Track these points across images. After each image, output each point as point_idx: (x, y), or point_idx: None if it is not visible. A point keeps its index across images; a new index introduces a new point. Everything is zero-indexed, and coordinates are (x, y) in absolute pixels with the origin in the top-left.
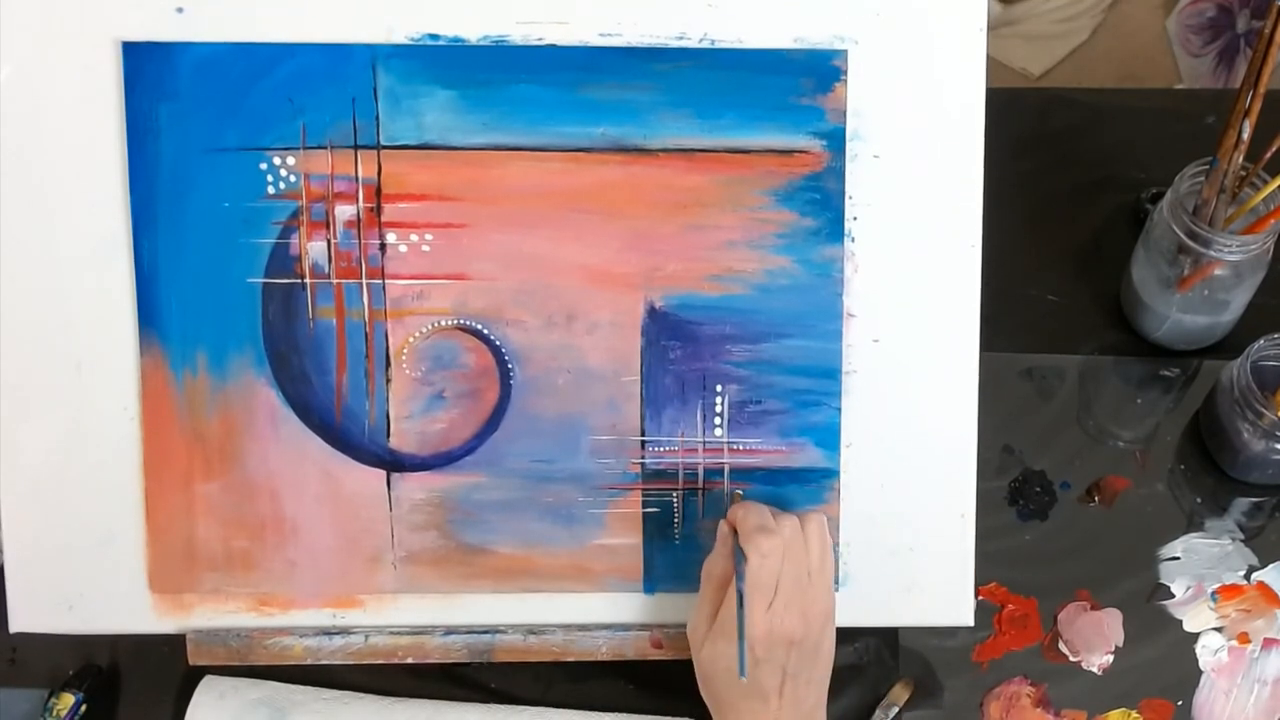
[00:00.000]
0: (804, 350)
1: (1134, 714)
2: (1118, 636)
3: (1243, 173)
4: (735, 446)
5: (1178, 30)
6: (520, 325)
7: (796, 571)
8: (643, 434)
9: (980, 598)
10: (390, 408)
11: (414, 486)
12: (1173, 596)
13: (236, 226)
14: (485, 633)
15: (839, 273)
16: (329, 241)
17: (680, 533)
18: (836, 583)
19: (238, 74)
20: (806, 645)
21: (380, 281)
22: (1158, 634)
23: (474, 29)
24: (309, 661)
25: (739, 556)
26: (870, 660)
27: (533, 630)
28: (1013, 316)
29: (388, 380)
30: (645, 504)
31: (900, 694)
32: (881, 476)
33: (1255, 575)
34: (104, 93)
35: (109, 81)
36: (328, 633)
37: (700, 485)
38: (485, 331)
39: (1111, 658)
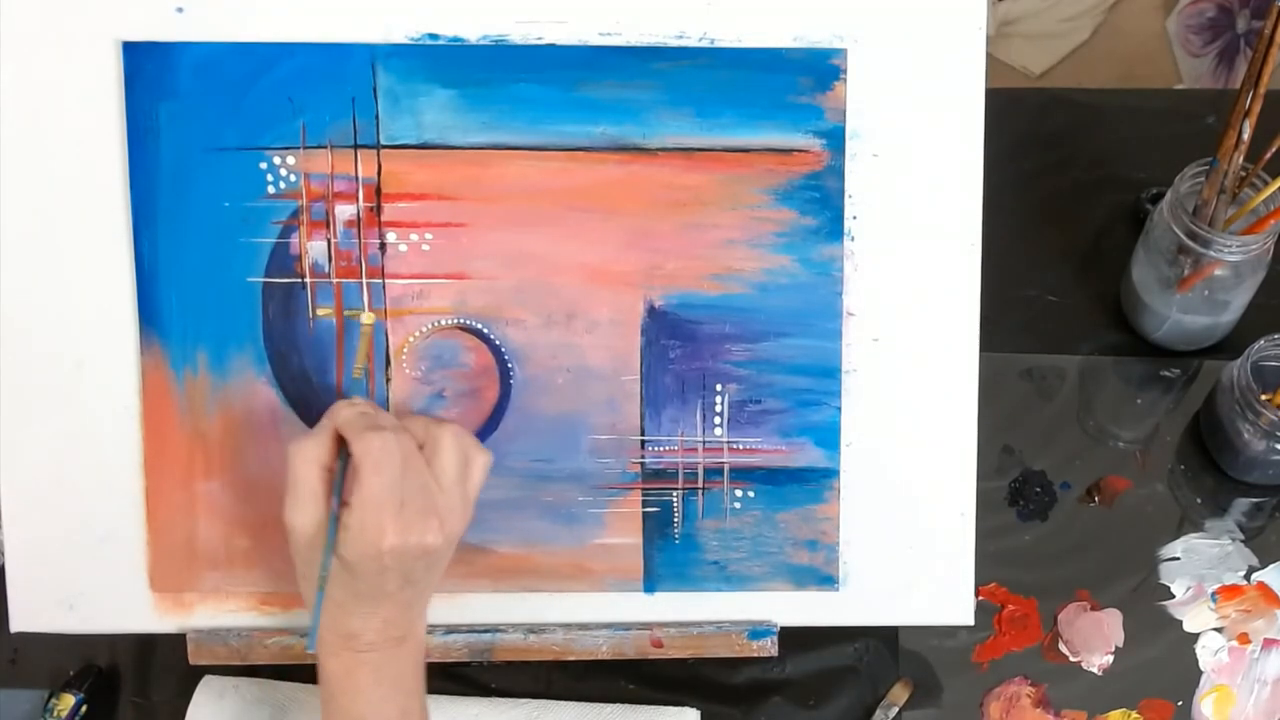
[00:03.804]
0: (804, 349)
1: (1134, 714)
2: (1118, 636)
3: (1243, 173)
4: (735, 446)
5: (1178, 30)
6: (520, 324)
7: (422, 479)
8: (642, 433)
9: (980, 598)
10: (390, 407)
11: None
12: (1173, 596)
13: (236, 226)
14: (485, 632)
15: (838, 272)
16: (329, 241)
17: (680, 532)
18: (836, 582)
19: (237, 73)
20: (437, 556)
21: (380, 281)
22: (1158, 634)
23: (473, 28)
24: (310, 660)
25: (342, 463)
26: (870, 660)
27: (533, 629)
28: (1013, 316)
29: (388, 379)
30: (645, 503)
31: (900, 694)
32: (881, 476)
33: (1255, 575)
34: (104, 92)
35: (109, 81)
36: None
37: (700, 485)
38: (485, 330)
39: (1111, 658)
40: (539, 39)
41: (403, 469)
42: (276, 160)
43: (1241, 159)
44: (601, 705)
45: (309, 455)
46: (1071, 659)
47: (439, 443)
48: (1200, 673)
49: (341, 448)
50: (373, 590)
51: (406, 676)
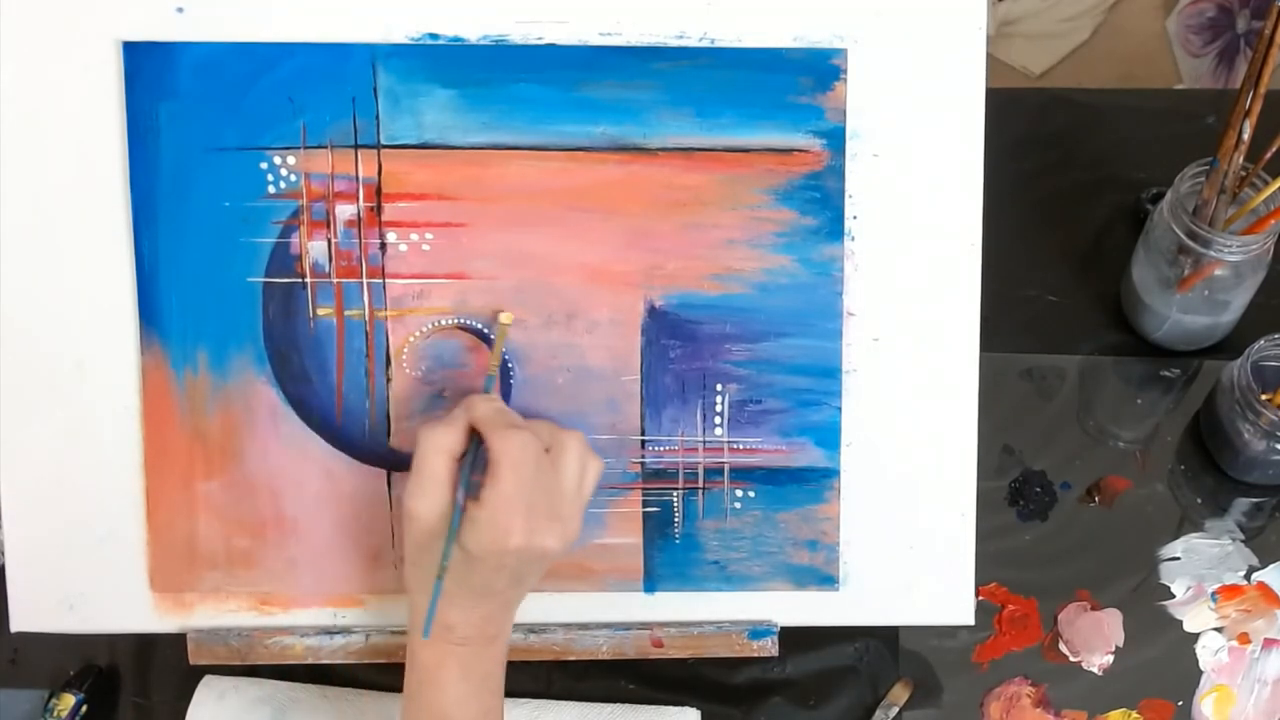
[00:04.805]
0: (804, 349)
1: (1134, 714)
2: (1118, 636)
3: (1243, 173)
4: (735, 446)
5: (1178, 30)
6: (520, 324)
7: (549, 483)
8: (643, 433)
9: (980, 598)
10: (390, 407)
11: None
12: (1173, 596)
13: (237, 225)
14: None
15: (839, 271)
16: (329, 241)
17: (680, 532)
18: (836, 582)
19: (238, 73)
20: (549, 561)
21: (380, 280)
22: (1158, 634)
23: (473, 28)
24: (310, 661)
25: (476, 457)
26: (870, 660)
27: (533, 629)
28: (1013, 316)
29: (388, 379)
30: (645, 503)
31: (900, 694)
32: (881, 476)
33: (1255, 575)
34: (104, 93)
35: (109, 81)
36: (328, 632)
37: (700, 485)
38: (485, 330)
39: (1111, 658)
40: (539, 39)
41: (535, 471)
42: (277, 160)
43: (1241, 159)
44: (601, 705)
45: (441, 444)
46: (1071, 659)
47: (565, 448)
48: (1200, 673)
49: (474, 441)
50: (484, 586)
51: (492, 676)
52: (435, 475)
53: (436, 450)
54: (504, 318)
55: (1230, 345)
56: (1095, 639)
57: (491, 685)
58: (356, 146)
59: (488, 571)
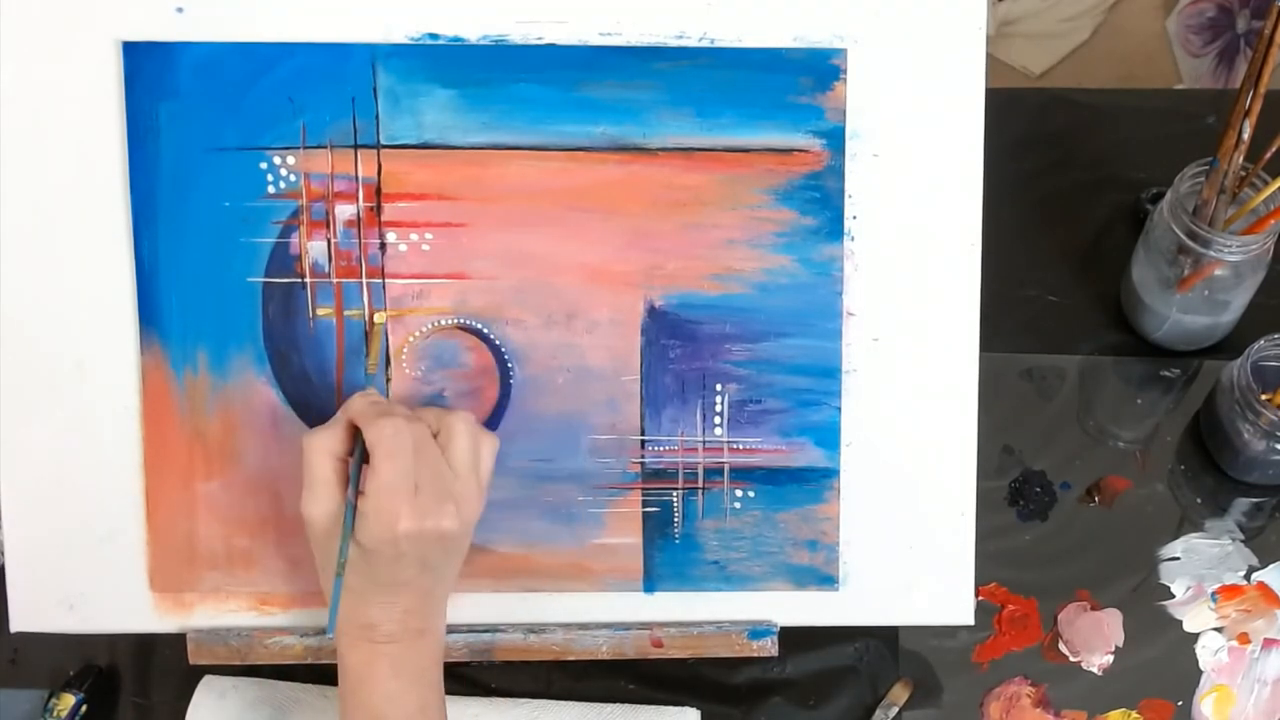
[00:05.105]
0: (804, 349)
1: (1134, 714)
2: (1118, 636)
3: (1243, 173)
4: (735, 446)
5: (1178, 30)
6: (520, 324)
7: (436, 466)
8: (642, 433)
9: (980, 598)
10: None
11: None
12: (1173, 596)
13: (237, 225)
14: (485, 632)
15: (838, 271)
16: (329, 241)
17: (680, 532)
18: (836, 582)
19: (238, 73)
20: (454, 542)
21: (380, 280)
22: (1158, 634)
23: (473, 28)
24: (310, 660)
25: (358, 453)
26: (870, 660)
27: (533, 629)
28: (1013, 316)
29: (387, 379)
30: (645, 503)
31: (900, 694)
32: (881, 476)
33: (1255, 575)
34: (104, 93)
35: (109, 81)
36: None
37: (700, 485)
38: (485, 330)
39: (1111, 658)
40: (539, 39)
41: (416, 455)
42: (276, 160)
43: (1241, 159)
44: (601, 705)
45: (322, 446)
46: (1071, 659)
47: (452, 429)
48: (1200, 673)
49: (358, 438)
50: (390, 577)
51: (426, 670)
52: (321, 477)
53: (318, 453)
54: (378, 318)
55: (1230, 345)
56: (1095, 639)
57: (428, 679)
58: (356, 146)
59: (386, 562)
